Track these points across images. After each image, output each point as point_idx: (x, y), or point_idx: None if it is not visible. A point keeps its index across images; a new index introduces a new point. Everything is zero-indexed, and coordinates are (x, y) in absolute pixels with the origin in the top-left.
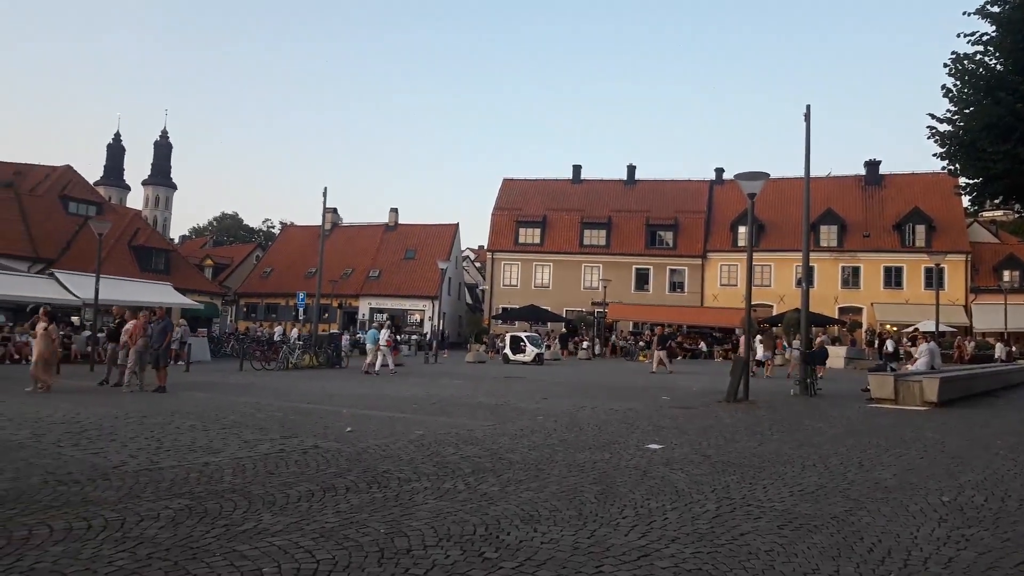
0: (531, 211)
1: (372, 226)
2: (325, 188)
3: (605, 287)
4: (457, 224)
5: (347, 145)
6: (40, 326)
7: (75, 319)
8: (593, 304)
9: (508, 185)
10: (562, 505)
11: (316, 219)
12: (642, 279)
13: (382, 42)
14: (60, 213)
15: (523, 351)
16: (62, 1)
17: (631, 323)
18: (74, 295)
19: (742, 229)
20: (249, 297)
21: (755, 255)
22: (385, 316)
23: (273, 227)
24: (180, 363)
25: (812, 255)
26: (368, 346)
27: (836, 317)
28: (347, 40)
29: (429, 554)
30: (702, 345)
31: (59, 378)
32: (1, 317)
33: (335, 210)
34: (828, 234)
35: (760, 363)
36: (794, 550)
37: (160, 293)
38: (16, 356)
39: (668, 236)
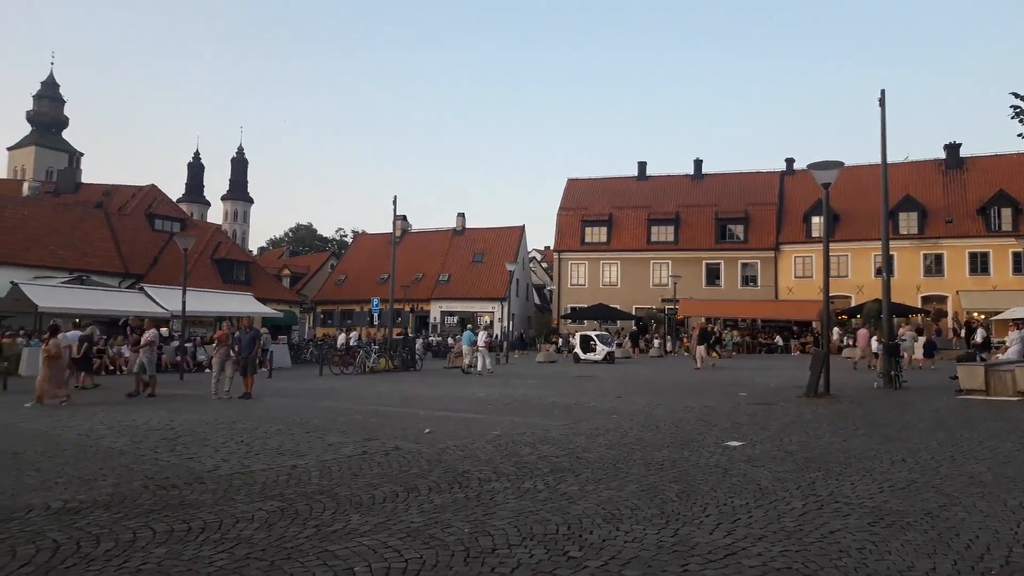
0: (597, 210)
1: (440, 231)
2: (395, 196)
3: (675, 283)
4: (523, 226)
5: (414, 153)
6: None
7: (164, 330)
8: (663, 301)
9: (573, 185)
10: (643, 504)
11: (386, 227)
12: (713, 274)
13: (445, 50)
14: (147, 230)
15: (593, 350)
16: (142, 27)
17: (703, 319)
18: (162, 308)
19: (815, 219)
20: (325, 304)
21: (831, 245)
22: (456, 319)
23: (346, 236)
24: (263, 370)
25: (891, 243)
26: (464, 347)
27: (919, 307)
28: (411, 50)
29: (514, 553)
30: (778, 339)
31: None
32: (97, 331)
33: (404, 217)
34: (908, 221)
35: (877, 355)
36: (887, 547)
37: (242, 303)
38: (111, 367)
39: (739, 229)
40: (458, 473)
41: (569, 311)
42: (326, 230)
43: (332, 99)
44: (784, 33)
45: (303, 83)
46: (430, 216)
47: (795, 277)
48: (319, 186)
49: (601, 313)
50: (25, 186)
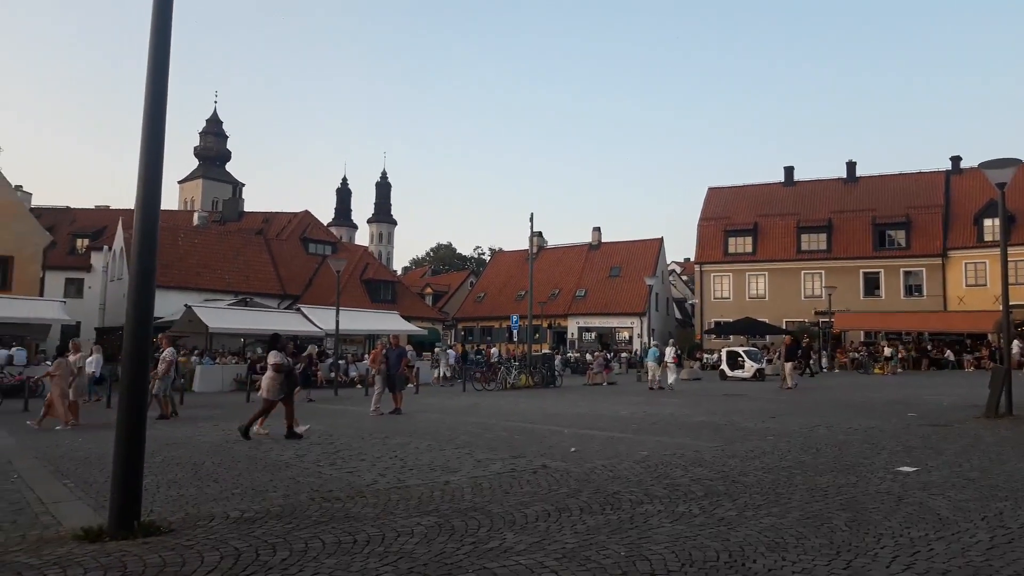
0: (740, 219)
1: (576, 246)
2: (532, 213)
3: (830, 295)
4: (661, 238)
5: (549, 169)
6: (60, 359)
7: (315, 348)
8: (817, 314)
9: (714, 194)
10: (809, 532)
11: (523, 244)
12: (872, 284)
13: (578, 62)
14: (302, 254)
15: (741, 367)
16: (292, 63)
17: (862, 333)
18: (317, 327)
19: (988, 222)
20: (466, 321)
21: (1009, 249)
22: (594, 335)
23: (483, 254)
24: (411, 386)
25: None
26: (649, 363)
27: None
28: (543, 64)
29: None
30: (948, 354)
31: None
32: (259, 349)
33: (540, 233)
34: None
35: None
36: None
37: (389, 321)
38: None
39: (899, 235)
40: (608, 494)
41: (713, 325)
42: (465, 249)
43: (467, 120)
44: (941, 21)
45: (440, 105)
46: (565, 232)
47: (966, 285)
48: (458, 206)
49: (748, 327)
50: (195, 216)
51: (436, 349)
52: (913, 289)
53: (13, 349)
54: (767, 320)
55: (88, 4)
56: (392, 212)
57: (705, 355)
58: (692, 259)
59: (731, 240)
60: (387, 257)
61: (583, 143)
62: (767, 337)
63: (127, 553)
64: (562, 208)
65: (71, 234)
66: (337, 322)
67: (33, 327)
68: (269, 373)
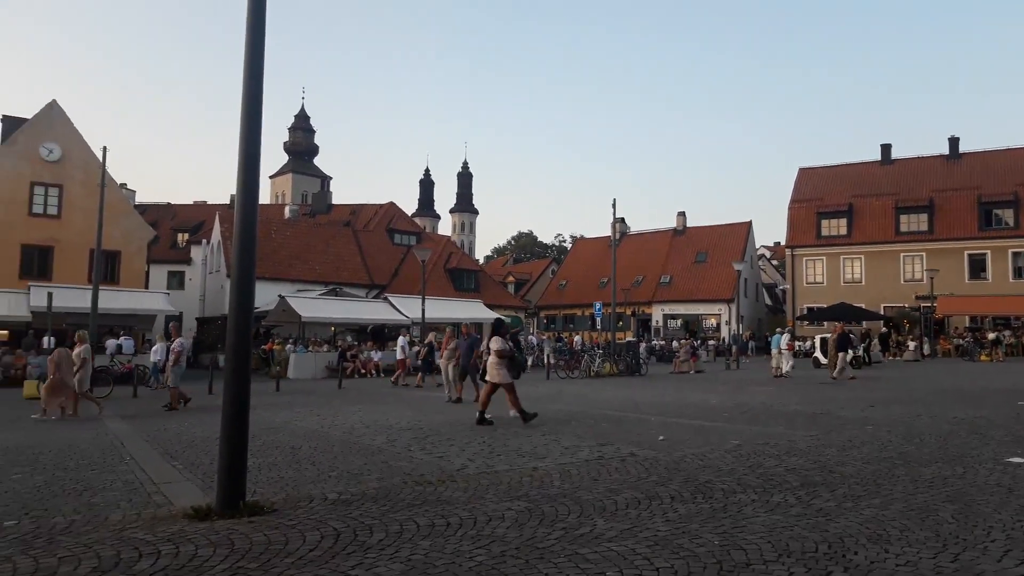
0: (834, 200)
1: (660, 232)
2: (614, 200)
3: (931, 278)
4: (750, 222)
5: (631, 154)
6: (60, 348)
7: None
8: (917, 298)
9: (804, 175)
10: (913, 525)
11: (604, 231)
12: (977, 266)
13: (659, 45)
14: (387, 244)
15: None
16: (377, 59)
17: (967, 318)
18: (404, 315)
19: None
20: (548, 309)
21: None
22: (679, 322)
23: (564, 241)
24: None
25: None
26: (772, 351)
27: None
28: (622, 51)
29: (770, 569)
30: None
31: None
32: (349, 337)
33: (623, 220)
34: None
35: None
36: None
37: (473, 310)
38: (363, 370)
39: (1007, 214)
40: (699, 483)
41: (806, 311)
42: (546, 237)
43: (547, 108)
44: None
45: (521, 94)
46: (649, 218)
47: None
48: (538, 194)
49: (843, 313)
50: (286, 210)
51: (531, 338)
52: (1023, 272)
53: (122, 338)
54: (863, 305)
55: (186, 7)
56: (473, 201)
57: (797, 342)
58: (783, 243)
59: (824, 222)
60: (469, 246)
61: (667, 126)
62: (863, 323)
63: (234, 531)
64: (645, 193)
65: (172, 229)
66: (423, 310)
67: (139, 317)
68: (492, 359)
